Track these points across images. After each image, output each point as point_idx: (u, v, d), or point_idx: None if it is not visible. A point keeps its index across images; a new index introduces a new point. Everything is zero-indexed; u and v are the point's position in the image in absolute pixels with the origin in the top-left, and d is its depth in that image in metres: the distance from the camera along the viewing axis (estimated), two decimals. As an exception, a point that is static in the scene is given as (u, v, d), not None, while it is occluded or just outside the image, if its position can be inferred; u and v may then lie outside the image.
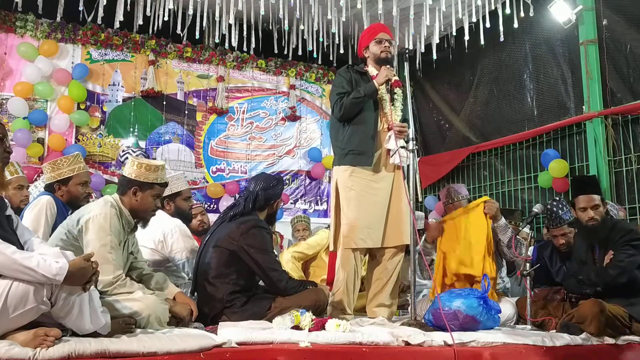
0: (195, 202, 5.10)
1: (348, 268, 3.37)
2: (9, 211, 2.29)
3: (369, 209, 3.38)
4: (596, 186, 3.46)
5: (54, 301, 2.05)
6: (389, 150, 3.47)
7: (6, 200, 2.32)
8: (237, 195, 6.62)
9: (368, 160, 3.40)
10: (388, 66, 3.51)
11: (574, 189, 3.72)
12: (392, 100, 3.52)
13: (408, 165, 3.36)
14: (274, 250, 3.43)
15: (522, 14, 5.64)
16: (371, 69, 3.60)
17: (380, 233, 3.41)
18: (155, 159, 6.62)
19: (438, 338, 2.66)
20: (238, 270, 3.08)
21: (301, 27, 6.23)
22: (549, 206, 3.73)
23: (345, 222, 3.39)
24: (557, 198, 3.90)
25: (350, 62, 7.02)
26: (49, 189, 3.48)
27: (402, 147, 3.40)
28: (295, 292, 3.10)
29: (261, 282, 3.23)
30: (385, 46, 3.54)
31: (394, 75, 3.51)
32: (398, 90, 3.57)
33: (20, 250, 2.09)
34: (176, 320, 2.78)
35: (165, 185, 2.91)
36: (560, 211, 3.67)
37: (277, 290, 3.09)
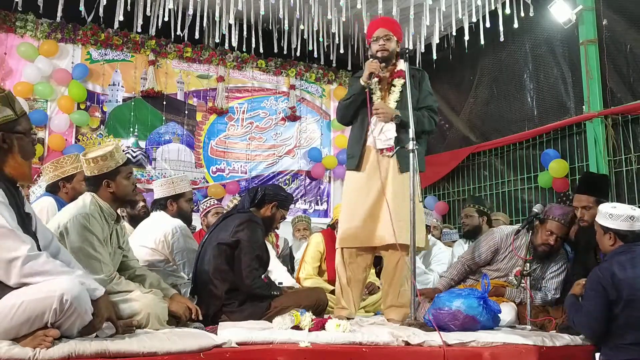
0: (213, 203, 5.06)
1: (342, 266, 3.41)
2: (28, 208, 2.23)
3: (358, 209, 3.35)
4: (595, 186, 3.38)
5: (57, 326, 2.03)
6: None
7: (24, 195, 2.27)
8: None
9: (354, 162, 3.42)
10: (371, 59, 3.40)
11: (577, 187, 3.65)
12: (389, 92, 3.46)
13: (408, 165, 3.29)
14: (269, 250, 3.45)
15: (522, 14, 5.63)
16: None
17: (372, 232, 3.34)
18: (155, 159, 6.63)
19: (438, 338, 2.66)
20: (235, 266, 3.10)
21: (301, 27, 6.22)
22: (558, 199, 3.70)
23: (340, 223, 3.49)
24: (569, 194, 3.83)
25: (350, 62, 7.05)
26: (52, 188, 3.49)
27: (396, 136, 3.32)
28: (260, 292, 3.11)
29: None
30: (380, 45, 3.43)
31: (380, 70, 3.37)
32: (397, 82, 3.47)
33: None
34: (175, 320, 2.78)
35: (129, 161, 2.91)
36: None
37: (243, 285, 3.09)
